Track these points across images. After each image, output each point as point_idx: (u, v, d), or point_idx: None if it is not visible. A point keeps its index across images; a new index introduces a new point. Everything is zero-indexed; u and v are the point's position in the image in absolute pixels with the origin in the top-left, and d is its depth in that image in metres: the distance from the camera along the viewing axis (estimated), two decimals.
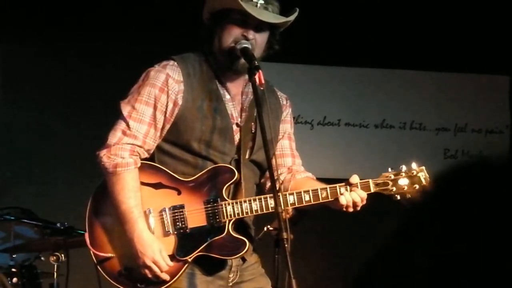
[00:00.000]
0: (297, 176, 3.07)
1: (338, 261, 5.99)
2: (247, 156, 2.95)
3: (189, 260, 2.83)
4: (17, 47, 5.61)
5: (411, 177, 2.92)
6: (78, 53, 5.65)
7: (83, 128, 5.53)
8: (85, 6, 5.66)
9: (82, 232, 4.44)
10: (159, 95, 2.85)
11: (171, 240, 2.83)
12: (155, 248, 2.78)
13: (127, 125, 2.85)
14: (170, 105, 2.86)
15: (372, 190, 2.89)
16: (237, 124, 2.94)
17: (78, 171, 5.50)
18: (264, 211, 2.83)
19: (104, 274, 2.88)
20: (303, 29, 5.59)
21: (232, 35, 2.85)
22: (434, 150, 6.24)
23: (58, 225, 4.46)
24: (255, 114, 2.94)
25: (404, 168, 2.92)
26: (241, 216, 2.84)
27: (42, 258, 4.58)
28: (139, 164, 2.86)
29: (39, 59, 5.65)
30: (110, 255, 2.87)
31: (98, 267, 2.89)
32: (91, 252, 2.89)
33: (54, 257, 4.32)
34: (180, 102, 2.86)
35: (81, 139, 5.51)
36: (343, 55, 6.06)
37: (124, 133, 2.85)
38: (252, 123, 2.96)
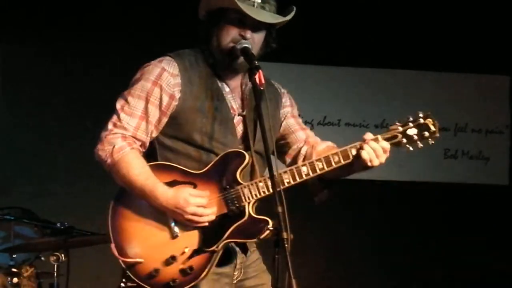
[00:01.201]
0: (318, 148, 3.06)
1: (338, 261, 5.99)
2: (253, 145, 2.95)
3: (217, 249, 2.81)
4: (17, 47, 5.61)
5: (419, 125, 2.91)
6: (78, 53, 5.65)
7: (83, 128, 5.52)
8: (85, 6, 5.66)
9: (83, 231, 4.48)
10: (152, 88, 2.85)
11: (195, 234, 2.82)
12: (185, 195, 2.76)
13: (118, 117, 2.86)
14: (166, 98, 2.86)
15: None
16: (240, 115, 2.95)
17: (78, 171, 5.51)
18: (282, 188, 2.77)
19: (134, 278, 2.84)
20: (303, 29, 5.61)
21: (230, 35, 2.86)
22: (434, 150, 6.24)
23: (58, 225, 4.46)
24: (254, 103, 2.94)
25: (410, 118, 2.92)
26: (259, 196, 2.82)
27: (42, 258, 4.58)
28: (134, 146, 2.84)
29: (39, 59, 5.65)
30: (139, 260, 2.84)
31: (128, 272, 2.85)
32: (120, 260, 2.85)
33: (54, 257, 4.31)
34: (177, 95, 2.86)
35: (81, 139, 5.50)
36: (343, 55, 6.06)
37: (114, 125, 2.86)
38: (255, 113, 2.95)
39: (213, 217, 2.81)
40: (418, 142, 2.90)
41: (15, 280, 4.32)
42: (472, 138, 6.31)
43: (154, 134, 2.90)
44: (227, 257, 2.92)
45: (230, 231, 2.82)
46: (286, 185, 2.82)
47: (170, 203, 2.78)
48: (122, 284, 2.92)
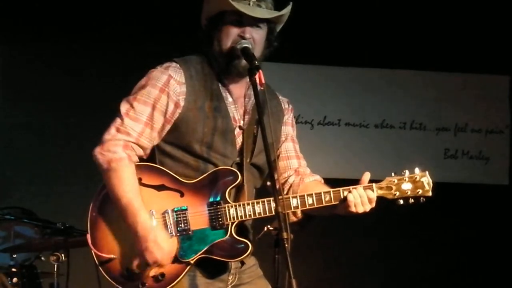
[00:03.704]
0: (306, 180, 3.07)
1: (338, 261, 5.99)
2: (248, 159, 2.95)
3: (192, 262, 2.82)
4: (17, 47, 5.61)
5: (414, 181, 2.90)
6: (78, 53, 5.65)
7: (83, 128, 5.52)
8: (85, 6, 5.66)
9: (83, 231, 4.48)
10: (159, 95, 2.84)
11: (174, 242, 2.82)
12: (158, 235, 2.76)
13: (122, 122, 2.84)
14: (171, 106, 2.85)
15: (376, 193, 2.86)
16: (240, 127, 2.95)
17: (78, 171, 5.50)
18: (267, 214, 2.83)
19: (105, 275, 2.86)
20: (303, 29, 5.61)
21: (230, 36, 2.86)
22: (434, 150, 6.24)
23: (58, 225, 4.46)
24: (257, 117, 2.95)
25: (407, 173, 2.91)
26: (244, 219, 2.84)
27: (42, 258, 4.58)
28: (134, 159, 2.84)
29: (39, 59, 5.65)
30: (112, 256, 2.85)
31: (100, 268, 2.87)
32: (93, 253, 2.87)
33: (54, 257, 4.32)
34: (182, 103, 2.86)
35: (81, 139, 5.50)
36: (343, 55, 6.06)
37: (117, 130, 2.84)
38: (255, 126, 2.96)
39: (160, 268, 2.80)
40: (410, 198, 2.90)
41: (15, 280, 4.32)
42: (472, 138, 6.31)
43: (156, 141, 2.89)
44: (222, 267, 2.92)
45: (208, 246, 2.82)
46: (273, 213, 2.80)
47: (142, 232, 2.76)
48: None
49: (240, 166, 2.91)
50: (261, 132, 2.71)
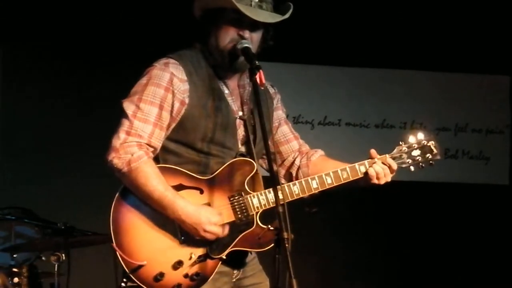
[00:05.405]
0: (312, 158, 3.12)
1: (338, 261, 6.00)
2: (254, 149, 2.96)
3: (224, 257, 2.83)
4: (18, 46, 5.61)
5: (422, 147, 3.03)
6: (79, 53, 5.65)
7: (83, 128, 5.53)
8: (85, 6, 5.66)
9: (83, 231, 4.48)
10: (165, 94, 2.83)
11: (203, 240, 2.82)
12: (207, 213, 2.78)
13: (131, 124, 2.81)
14: (177, 104, 2.84)
15: (395, 165, 3.00)
16: (240, 117, 2.95)
17: (79, 171, 5.51)
18: (290, 199, 2.87)
19: (138, 283, 2.80)
20: (303, 29, 5.61)
21: (229, 35, 2.86)
22: None
23: (59, 225, 4.46)
24: (252, 107, 2.97)
25: (413, 139, 3.04)
26: (267, 207, 2.86)
27: (43, 258, 4.58)
28: (151, 155, 2.82)
29: (39, 59, 5.65)
30: (144, 262, 2.79)
31: (132, 276, 2.80)
32: (123, 260, 2.79)
33: (55, 257, 4.32)
34: (187, 101, 2.85)
35: (81, 139, 5.51)
36: (343, 55, 6.06)
37: (128, 133, 2.80)
38: (251, 115, 2.98)
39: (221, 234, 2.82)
40: (421, 163, 3.04)
41: (15, 280, 4.33)
42: (472, 138, 6.31)
43: (163, 140, 2.88)
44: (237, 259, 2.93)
45: (237, 240, 2.84)
46: (295, 197, 2.88)
47: (189, 217, 2.77)
48: (123, 284, 2.91)
49: (250, 155, 2.92)
50: (261, 128, 2.72)
